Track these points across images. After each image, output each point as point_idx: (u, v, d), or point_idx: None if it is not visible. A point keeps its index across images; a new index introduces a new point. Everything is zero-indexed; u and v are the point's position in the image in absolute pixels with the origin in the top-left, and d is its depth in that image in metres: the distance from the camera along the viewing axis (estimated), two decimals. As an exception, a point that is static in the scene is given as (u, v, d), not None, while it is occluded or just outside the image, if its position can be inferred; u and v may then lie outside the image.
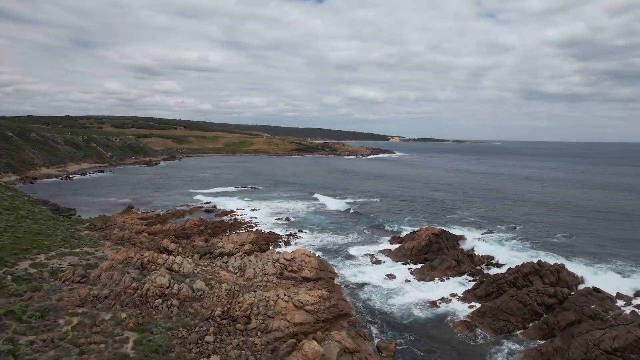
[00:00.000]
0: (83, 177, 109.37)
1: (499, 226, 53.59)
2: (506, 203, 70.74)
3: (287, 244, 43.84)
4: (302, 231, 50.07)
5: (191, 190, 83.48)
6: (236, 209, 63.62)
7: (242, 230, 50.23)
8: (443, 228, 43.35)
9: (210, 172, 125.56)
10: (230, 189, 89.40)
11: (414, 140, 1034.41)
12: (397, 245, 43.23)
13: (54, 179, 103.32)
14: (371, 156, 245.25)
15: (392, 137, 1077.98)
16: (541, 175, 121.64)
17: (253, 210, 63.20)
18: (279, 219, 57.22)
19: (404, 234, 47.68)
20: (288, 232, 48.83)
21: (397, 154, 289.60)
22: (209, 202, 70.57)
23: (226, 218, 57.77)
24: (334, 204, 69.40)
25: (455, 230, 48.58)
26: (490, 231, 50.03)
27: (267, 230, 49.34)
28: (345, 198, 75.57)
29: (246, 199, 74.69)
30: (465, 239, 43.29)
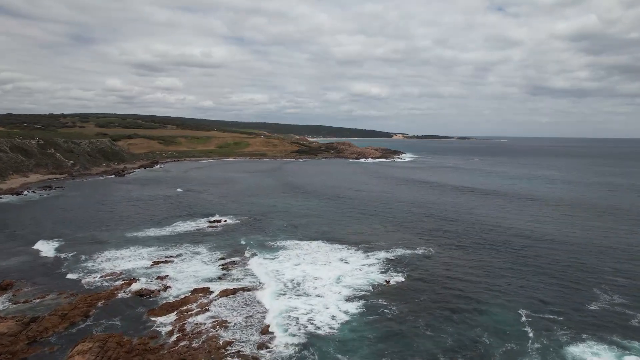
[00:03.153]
0: (12, 199, 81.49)
1: None
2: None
3: None
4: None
5: (140, 234, 55.42)
6: (195, 290, 35.67)
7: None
8: None
9: (186, 186, 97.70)
10: (202, 223, 61.72)
11: (418, 137, 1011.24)
12: None
13: (-32, 204, 75.55)
14: (381, 159, 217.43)
15: (395, 134, 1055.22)
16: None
17: (224, 294, 35.05)
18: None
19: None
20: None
21: (409, 155, 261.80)
22: (158, 264, 42.78)
23: (165, 327, 29.85)
24: (367, 270, 41.48)
25: None
26: None
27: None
28: (376, 252, 47.63)
29: (220, 254, 46.80)
30: None
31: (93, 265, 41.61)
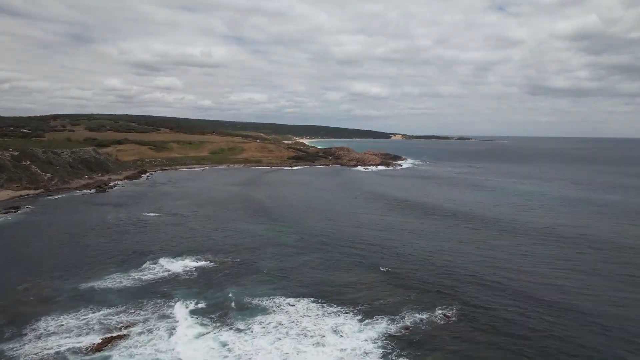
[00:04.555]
0: (-31, 227, 72.56)
1: None
2: None
3: None
4: None
5: (98, 283, 46.46)
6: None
7: None
8: None
9: (168, 206, 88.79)
10: (177, 264, 53.02)
11: (416, 137, 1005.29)
12: None
13: None
14: (381, 167, 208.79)
15: (394, 134, 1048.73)
16: None
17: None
18: None
19: None
20: None
21: (409, 161, 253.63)
22: (108, 342, 33.97)
23: None
24: (368, 348, 32.84)
25: None
26: None
27: None
28: (380, 318, 38.95)
29: (187, 320, 37.99)
30: None
31: (14, 349, 32.65)
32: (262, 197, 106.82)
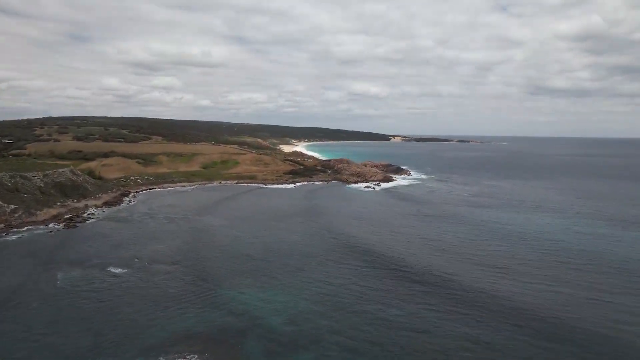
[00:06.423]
0: None
1: None
2: None
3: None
4: None
5: None
6: None
7: None
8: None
9: (139, 257, 75.46)
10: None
11: (416, 139, 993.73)
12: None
13: None
14: (384, 184, 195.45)
15: (393, 136, 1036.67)
16: None
17: None
18: None
19: None
20: None
21: (413, 175, 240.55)
22: None
23: None
24: None
25: None
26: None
27: None
28: None
29: None
30: None
31: None
32: (249, 239, 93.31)
